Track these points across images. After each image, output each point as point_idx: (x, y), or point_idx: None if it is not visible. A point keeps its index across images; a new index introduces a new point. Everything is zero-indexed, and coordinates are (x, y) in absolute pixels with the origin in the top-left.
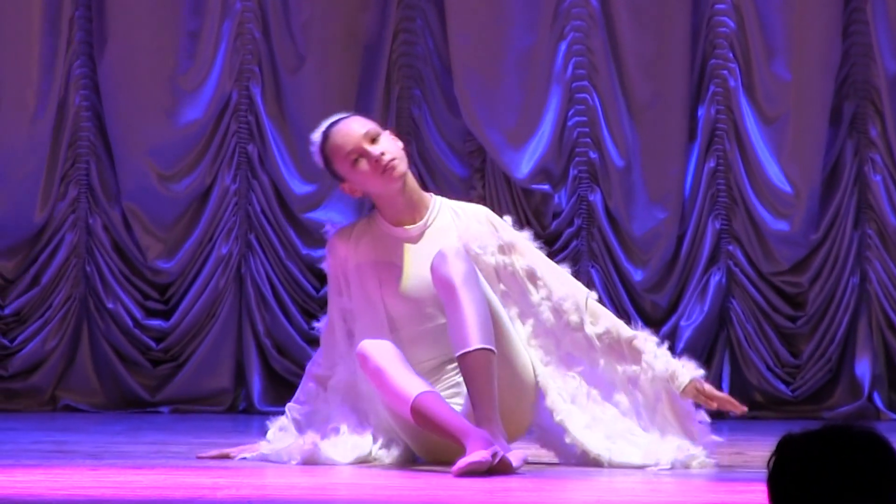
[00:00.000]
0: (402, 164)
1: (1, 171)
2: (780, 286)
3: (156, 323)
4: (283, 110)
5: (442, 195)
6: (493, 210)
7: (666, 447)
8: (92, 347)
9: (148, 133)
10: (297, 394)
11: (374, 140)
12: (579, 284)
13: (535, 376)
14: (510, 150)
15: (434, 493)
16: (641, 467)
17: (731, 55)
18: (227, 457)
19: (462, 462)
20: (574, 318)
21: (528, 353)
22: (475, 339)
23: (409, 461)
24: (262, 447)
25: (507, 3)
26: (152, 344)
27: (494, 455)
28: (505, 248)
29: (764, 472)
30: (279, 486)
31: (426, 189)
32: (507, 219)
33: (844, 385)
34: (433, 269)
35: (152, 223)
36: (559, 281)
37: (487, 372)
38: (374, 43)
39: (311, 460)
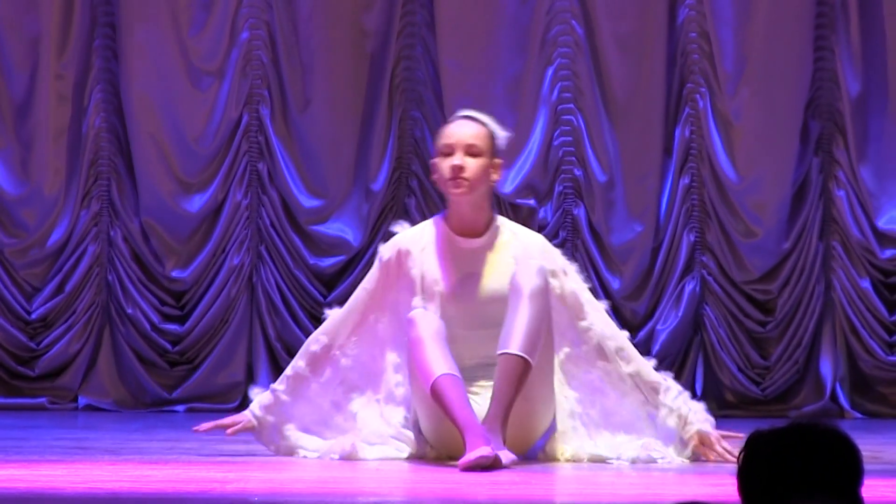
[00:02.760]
0: (469, 190)
1: (29, 187)
2: (750, 293)
3: (172, 327)
4: (291, 130)
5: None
6: None
7: (630, 445)
8: (113, 350)
9: (166, 154)
10: (285, 374)
11: (470, 153)
12: (615, 324)
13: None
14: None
15: (444, 486)
16: (604, 460)
17: (703, 80)
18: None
19: (469, 457)
20: (611, 356)
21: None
22: (519, 346)
23: (418, 457)
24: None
25: (498, 30)
26: (169, 346)
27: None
28: (555, 273)
29: (734, 467)
30: (284, 480)
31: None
32: (559, 252)
33: (810, 385)
34: (514, 273)
35: (169, 236)
36: (600, 316)
37: (517, 378)
38: (378, 68)
39: (349, 458)
